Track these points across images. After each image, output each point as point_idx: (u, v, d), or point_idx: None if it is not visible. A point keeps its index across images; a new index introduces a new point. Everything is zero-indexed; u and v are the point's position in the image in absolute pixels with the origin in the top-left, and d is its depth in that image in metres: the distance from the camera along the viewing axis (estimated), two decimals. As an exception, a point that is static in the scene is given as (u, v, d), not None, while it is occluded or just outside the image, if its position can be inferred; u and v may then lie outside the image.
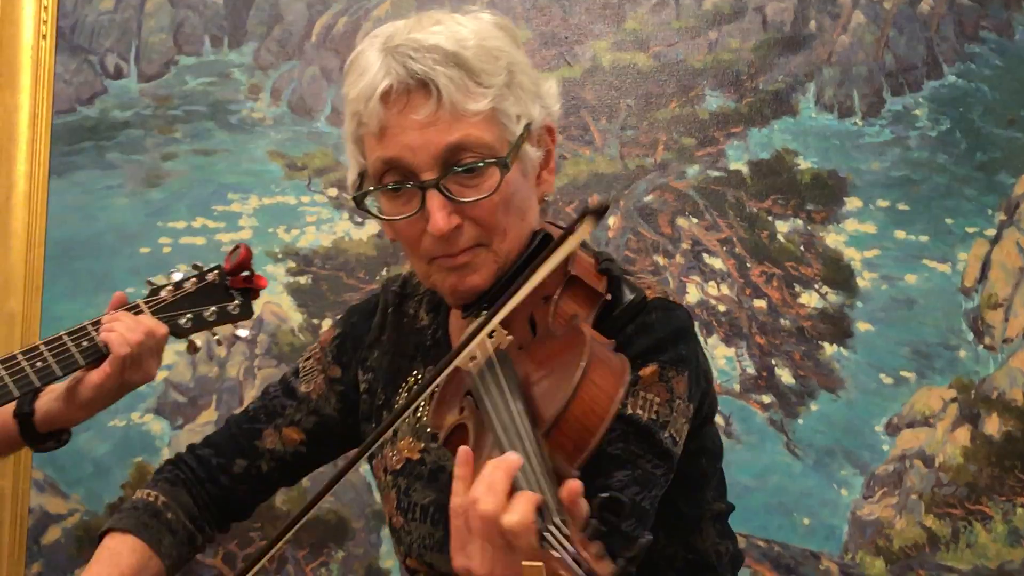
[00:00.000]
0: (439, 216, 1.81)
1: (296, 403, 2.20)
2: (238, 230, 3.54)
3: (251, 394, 3.51)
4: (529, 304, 1.72)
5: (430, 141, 1.80)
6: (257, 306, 3.51)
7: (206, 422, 3.52)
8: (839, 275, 3.48)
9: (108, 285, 3.44)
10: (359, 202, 1.89)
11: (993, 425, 3.44)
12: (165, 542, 2.09)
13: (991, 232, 3.49)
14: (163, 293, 2.35)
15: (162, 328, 2.29)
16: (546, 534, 1.44)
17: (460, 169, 1.81)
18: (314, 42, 3.63)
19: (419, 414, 2.04)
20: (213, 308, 2.37)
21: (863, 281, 3.49)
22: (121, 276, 3.53)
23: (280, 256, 3.56)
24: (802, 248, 3.49)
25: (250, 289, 2.39)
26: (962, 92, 3.52)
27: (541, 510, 1.45)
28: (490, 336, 1.72)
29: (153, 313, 2.32)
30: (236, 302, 2.38)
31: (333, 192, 3.57)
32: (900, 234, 3.49)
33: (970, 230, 3.49)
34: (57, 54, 3.65)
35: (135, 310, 2.32)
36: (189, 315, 2.35)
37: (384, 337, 2.15)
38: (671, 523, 1.92)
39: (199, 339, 2.38)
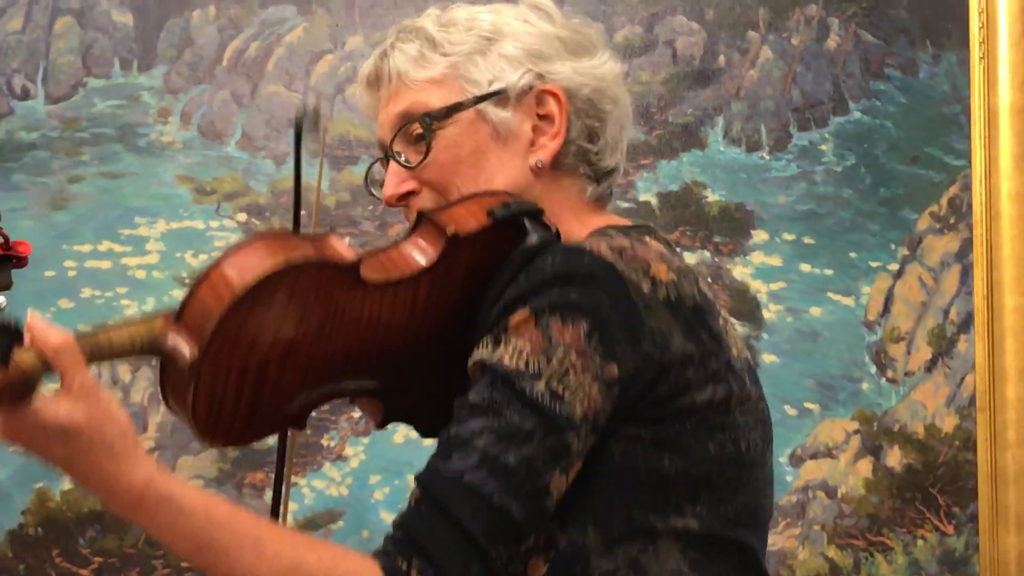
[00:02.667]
0: (390, 182, 1.82)
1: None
2: (145, 254, 3.51)
3: (155, 420, 3.47)
4: None
5: (389, 113, 1.83)
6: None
7: (109, 448, 3.47)
8: (745, 307, 3.52)
9: (12, 307, 3.38)
10: (367, 185, 1.95)
11: (895, 457, 3.49)
12: None
13: (894, 267, 3.54)
14: None
15: None
16: None
17: (403, 134, 1.81)
18: (225, 66, 3.61)
19: None
20: None
21: (769, 313, 3.52)
22: (26, 299, 3.48)
23: (187, 281, 3.53)
24: (710, 280, 3.52)
25: (9, 257, 2.11)
26: (867, 128, 3.58)
27: None
28: None
29: None
30: None
31: (242, 217, 3.55)
32: (805, 267, 3.53)
33: (873, 264, 3.54)
34: (-37, 74, 3.61)
35: None
36: None
37: None
38: (611, 524, 1.63)
39: None
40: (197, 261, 3.53)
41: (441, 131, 1.80)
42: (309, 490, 3.48)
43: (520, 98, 1.84)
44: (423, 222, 1.70)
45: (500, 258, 1.66)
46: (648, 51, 3.60)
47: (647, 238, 1.74)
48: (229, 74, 3.61)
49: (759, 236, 3.54)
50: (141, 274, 3.52)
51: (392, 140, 1.82)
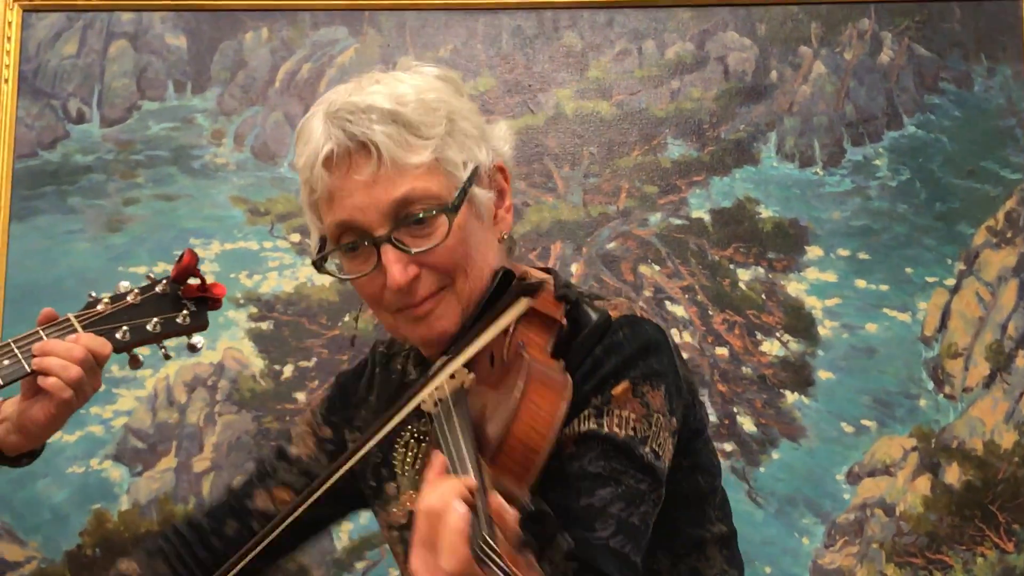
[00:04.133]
0: (395, 269, 1.84)
1: (287, 464, 2.21)
2: (200, 275, 3.52)
3: (211, 441, 3.49)
4: (495, 343, 1.74)
5: (377, 199, 1.84)
6: (219, 350, 3.53)
7: (165, 468, 3.49)
8: (800, 323, 3.50)
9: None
10: (318, 266, 1.93)
11: (953, 474, 3.46)
12: None
13: (951, 282, 3.51)
14: (100, 306, 2.15)
15: (104, 348, 2.09)
16: (477, 549, 1.45)
17: (410, 221, 1.84)
18: (277, 88, 3.63)
19: (417, 466, 2.05)
20: (156, 319, 2.16)
21: (824, 329, 3.50)
22: (81, 321, 3.51)
23: (242, 302, 3.55)
24: (764, 296, 3.50)
25: (206, 299, 2.22)
26: (922, 143, 3.55)
27: (473, 528, 1.47)
28: (452, 377, 1.74)
29: (85, 328, 2.13)
30: (184, 312, 2.18)
31: (296, 238, 3.56)
32: (860, 283, 3.51)
33: (930, 280, 3.51)
34: (19, 98, 3.64)
35: (65, 326, 2.12)
36: (126, 328, 2.14)
37: (372, 397, 2.17)
38: (676, 545, 1.92)
39: (170, 351, 2.22)
40: (251, 281, 3.54)
41: (445, 217, 1.85)
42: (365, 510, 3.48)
43: (486, 177, 1.92)
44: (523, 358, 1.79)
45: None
46: (700, 67, 3.59)
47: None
48: (282, 95, 3.63)
49: (813, 252, 3.52)
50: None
51: (392, 227, 1.84)
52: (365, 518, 3.49)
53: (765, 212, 3.53)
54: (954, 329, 3.51)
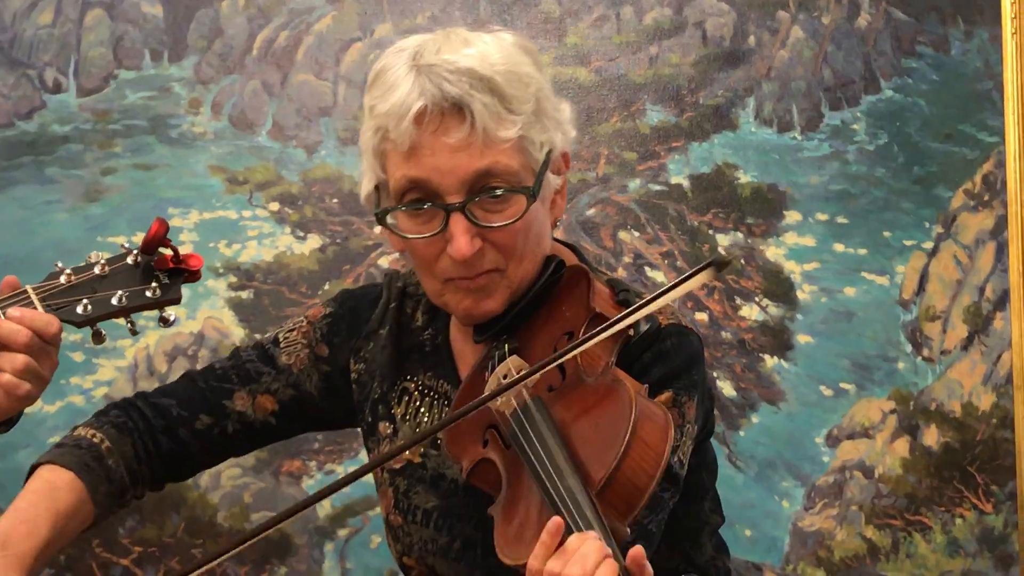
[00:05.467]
0: (463, 240, 1.83)
1: (275, 372, 2.15)
2: (179, 245, 3.48)
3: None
4: (554, 341, 1.73)
5: (459, 165, 1.82)
6: (199, 319, 3.53)
7: (147, 438, 3.49)
8: (779, 288, 3.51)
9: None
10: (380, 219, 1.91)
11: (932, 436, 3.48)
12: (101, 489, 2.00)
13: (929, 245, 3.53)
14: (62, 278, 1.99)
15: (49, 327, 1.90)
16: None
17: (487, 195, 1.83)
18: (255, 56, 3.62)
19: (418, 419, 2.04)
20: (122, 292, 1.99)
21: (803, 294, 3.51)
22: (60, 291, 3.50)
23: (221, 271, 3.54)
24: (742, 261, 3.51)
25: (181, 271, 2.05)
26: (899, 106, 3.56)
27: None
28: (505, 377, 1.74)
29: (43, 300, 1.95)
30: (155, 285, 2.01)
31: (275, 207, 3.56)
32: (839, 247, 3.52)
33: (908, 243, 3.52)
34: (-5, 68, 3.63)
35: (22, 298, 1.95)
36: (87, 301, 1.97)
37: (383, 331, 2.12)
38: (671, 534, 1.94)
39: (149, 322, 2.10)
40: (231, 251, 3.54)
41: (520, 196, 1.85)
42: (346, 477, 3.49)
43: (556, 161, 1.93)
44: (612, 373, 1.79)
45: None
46: (678, 33, 3.59)
47: None
48: (259, 64, 3.62)
49: (792, 217, 3.53)
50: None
51: (468, 198, 1.83)
52: (351, 486, 3.50)
53: (744, 177, 3.54)
54: (932, 292, 3.52)
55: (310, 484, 3.49)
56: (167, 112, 3.60)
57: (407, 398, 2.05)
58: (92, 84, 3.62)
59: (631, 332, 1.81)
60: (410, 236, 1.88)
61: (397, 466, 2.04)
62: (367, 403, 2.10)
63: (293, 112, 3.58)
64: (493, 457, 1.72)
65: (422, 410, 2.03)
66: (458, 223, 1.83)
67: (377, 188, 1.92)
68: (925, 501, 3.46)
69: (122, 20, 3.64)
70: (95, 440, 2.06)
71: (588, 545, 1.53)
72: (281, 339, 2.18)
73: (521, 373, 1.71)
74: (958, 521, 3.46)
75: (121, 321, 2.03)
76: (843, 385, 3.49)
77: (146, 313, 2.05)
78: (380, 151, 1.89)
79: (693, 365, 1.91)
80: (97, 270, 2.00)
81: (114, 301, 1.99)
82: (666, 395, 1.86)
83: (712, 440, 2.14)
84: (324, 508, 3.49)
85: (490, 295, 1.88)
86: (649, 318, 1.85)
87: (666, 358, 1.87)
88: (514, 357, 1.76)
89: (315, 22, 3.62)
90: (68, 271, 1.99)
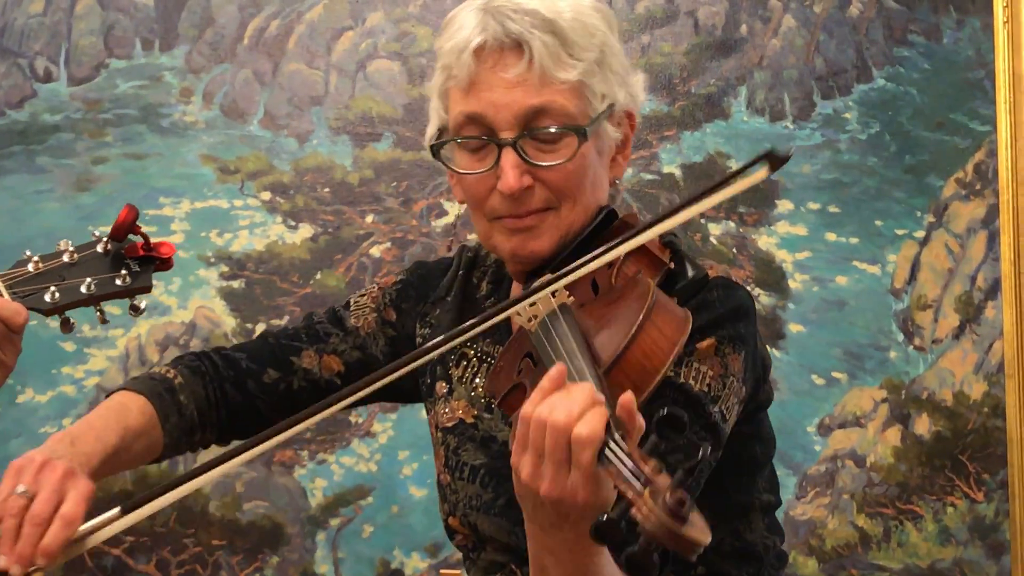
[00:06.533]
0: (511, 174, 1.84)
1: (343, 334, 2.15)
2: (170, 234, 3.51)
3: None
4: (593, 268, 1.72)
5: (515, 101, 1.84)
6: (190, 309, 3.53)
7: (138, 428, 3.49)
8: (771, 277, 3.51)
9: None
10: (435, 152, 1.93)
11: (923, 425, 3.48)
12: (172, 420, 2.01)
13: (920, 234, 3.53)
14: (30, 265, 1.94)
15: (16, 317, 1.87)
16: (606, 450, 1.45)
17: (539, 133, 1.84)
18: (246, 45, 3.61)
19: (476, 383, 2.03)
20: (91, 280, 1.95)
21: (795, 283, 3.51)
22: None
23: (213, 260, 3.54)
24: (734, 250, 3.51)
25: (152, 259, 2.02)
26: (891, 95, 3.56)
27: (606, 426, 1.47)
28: (552, 295, 1.72)
29: (10, 288, 1.92)
30: (125, 272, 1.98)
31: (266, 196, 3.56)
32: (831, 236, 3.52)
33: (899, 232, 3.53)
34: (-15, 57, 3.62)
35: None
36: (55, 289, 1.93)
37: (449, 297, 2.13)
38: (721, 508, 1.88)
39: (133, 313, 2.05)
40: (222, 240, 3.54)
41: (573, 138, 1.85)
42: (338, 467, 3.49)
43: (618, 116, 1.92)
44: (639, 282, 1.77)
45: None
46: (670, 22, 3.58)
47: None
48: (250, 53, 3.61)
49: (784, 206, 3.53)
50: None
51: (520, 133, 1.84)
52: (339, 474, 3.51)
53: (736, 166, 3.53)
54: (924, 281, 3.52)
55: (302, 474, 3.49)
56: (158, 101, 3.59)
57: (465, 362, 2.06)
58: (83, 73, 3.61)
59: (671, 265, 1.81)
60: (463, 171, 1.90)
61: (449, 424, 2.04)
62: (427, 365, 2.10)
63: (284, 101, 3.58)
64: (524, 382, 1.71)
65: (477, 379, 2.03)
66: (508, 158, 1.84)
67: (440, 131, 1.94)
68: (916, 490, 3.47)
69: (113, 9, 3.63)
70: (168, 375, 2.06)
71: (579, 389, 1.51)
72: (352, 303, 2.19)
73: (538, 284, 1.71)
74: (949, 510, 3.46)
75: (91, 309, 2.00)
76: (835, 374, 3.49)
77: (146, 303, 2.05)
78: (444, 91, 1.92)
79: (740, 318, 1.85)
80: (66, 258, 1.97)
81: (83, 289, 1.96)
82: (708, 341, 1.81)
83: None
84: (316, 498, 3.49)
85: (538, 236, 1.88)
86: (696, 268, 1.84)
87: (711, 306, 1.82)
88: (544, 278, 1.75)
89: (306, 11, 3.61)
90: (36, 258, 1.96)
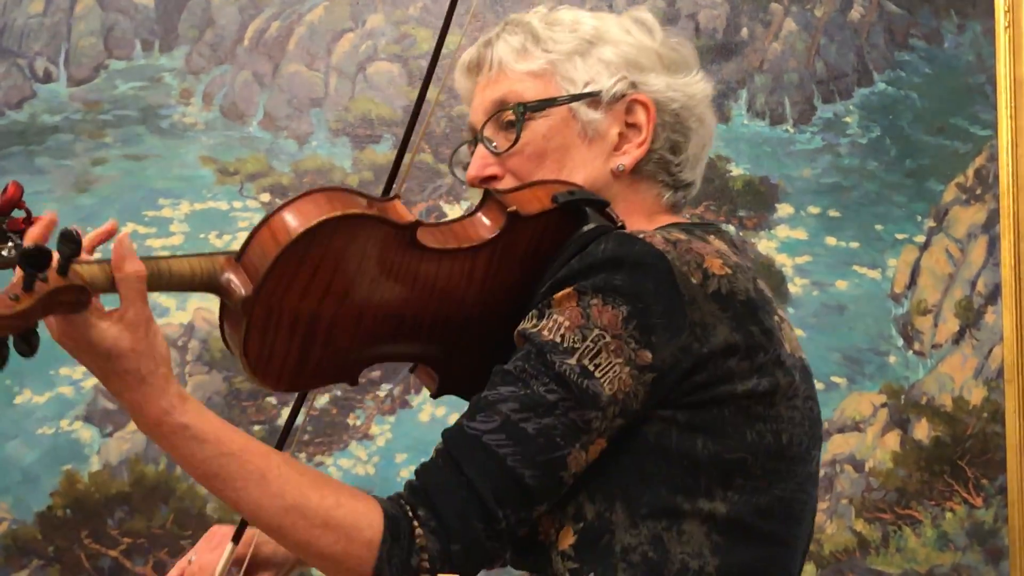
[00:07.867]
0: (474, 164, 1.89)
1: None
2: (169, 236, 3.51)
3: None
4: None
5: (483, 99, 1.90)
6: (189, 310, 3.52)
7: (136, 429, 3.47)
8: (771, 281, 3.50)
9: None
10: (450, 163, 2.05)
11: (922, 430, 3.48)
12: None
13: (920, 239, 3.53)
14: None
15: None
16: None
17: (502, 123, 1.87)
18: (246, 46, 3.61)
19: None
20: None
21: (794, 287, 3.51)
22: (50, 282, 3.49)
23: (212, 262, 3.53)
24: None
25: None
26: (892, 99, 3.56)
27: None
28: None
29: None
30: (10, 244, 1.90)
31: (266, 198, 3.55)
32: (831, 240, 3.52)
33: (900, 236, 3.52)
34: (-15, 57, 3.62)
35: None
36: None
37: None
38: (637, 502, 1.65)
39: None
40: (221, 242, 3.53)
41: (532, 122, 1.86)
42: (336, 469, 3.49)
43: (611, 103, 1.89)
44: (488, 200, 1.76)
45: (560, 242, 1.72)
46: (670, 24, 3.58)
47: (711, 236, 1.84)
48: (250, 54, 3.61)
49: (784, 210, 3.53)
50: (165, 255, 3.52)
51: (484, 125, 1.89)
52: (337, 476, 3.49)
53: (736, 170, 3.54)
54: (924, 286, 3.52)
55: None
56: (158, 102, 3.59)
57: None
58: (83, 74, 3.61)
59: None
60: (462, 174, 1.99)
61: None
62: None
63: (284, 103, 3.58)
64: None
65: None
66: (476, 150, 1.90)
67: None
68: (915, 495, 3.46)
69: (113, 9, 3.63)
70: None
71: None
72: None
73: None
74: (948, 515, 3.46)
75: None
76: (834, 379, 3.48)
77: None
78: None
79: (620, 269, 1.63)
80: None
81: None
82: (566, 291, 1.64)
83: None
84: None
85: None
86: (603, 223, 1.72)
87: (585, 256, 1.66)
88: None
89: (307, 12, 3.61)
90: None
